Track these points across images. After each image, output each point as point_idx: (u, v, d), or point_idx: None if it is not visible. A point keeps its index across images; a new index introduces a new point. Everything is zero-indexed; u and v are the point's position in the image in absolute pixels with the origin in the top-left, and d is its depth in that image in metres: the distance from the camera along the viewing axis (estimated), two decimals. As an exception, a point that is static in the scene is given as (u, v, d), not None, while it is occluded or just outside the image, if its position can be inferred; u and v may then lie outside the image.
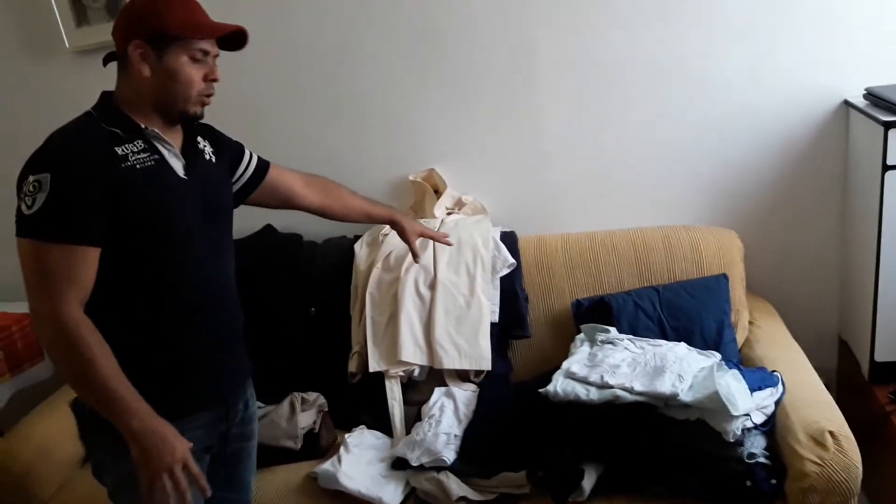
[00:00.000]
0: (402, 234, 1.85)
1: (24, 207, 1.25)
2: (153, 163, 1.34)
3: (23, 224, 1.26)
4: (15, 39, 2.44)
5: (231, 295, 1.52)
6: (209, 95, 1.40)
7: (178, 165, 1.39)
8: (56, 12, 2.36)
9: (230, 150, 1.59)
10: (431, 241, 2.21)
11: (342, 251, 2.35)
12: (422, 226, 1.94)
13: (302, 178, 1.72)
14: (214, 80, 1.40)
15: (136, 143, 1.33)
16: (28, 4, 2.39)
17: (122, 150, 1.31)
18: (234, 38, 1.42)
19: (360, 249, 2.31)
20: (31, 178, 1.26)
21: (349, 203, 1.78)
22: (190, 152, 1.43)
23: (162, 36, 1.33)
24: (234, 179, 1.59)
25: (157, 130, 1.37)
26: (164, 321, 1.39)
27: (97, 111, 1.37)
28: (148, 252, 1.34)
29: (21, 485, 1.93)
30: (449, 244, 1.98)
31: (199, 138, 1.49)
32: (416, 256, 1.90)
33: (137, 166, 1.32)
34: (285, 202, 1.71)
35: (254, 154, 1.64)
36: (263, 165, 1.65)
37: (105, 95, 1.40)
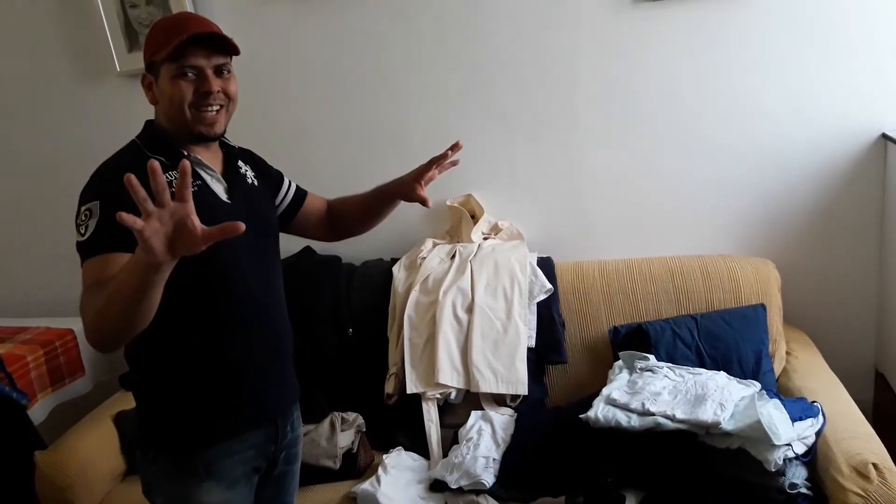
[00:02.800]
0: (404, 196, 1.62)
1: (78, 236, 1.29)
2: (196, 188, 1.35)
3: (80, 251, 1.29)
4: (68, 63, 2.53)
5: (280, 316, 1.52)
6: (206, 108, 1.36)
7: (219, 189, 1.42)
8: (108, 37, 2.44)
9: (271, 176, 1.62)
10: (469, 267, 2.26)
11: (380, 273, 2.39)
12: (415, 171, 1.62)
13: (328, 205, 1.72)
14: (207, 92, 1.35)
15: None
16: (81, 29, 2.47)
17: (167, 178, 1.31)
18: (223, 45, 1.37)
19: (399, 272, 2.35)
20: (82, 209, 1.30)
21: (356, 219, 1.71)
22: (231, 176, 1.46)
23: (150, 64, 1.37)
24: (274, 205, 1.62)
25: (198, 156, 1.40)
26: (214, 342, 1.40)
27: (141, 139, 1.41)
28: (195, 276, 1.33)
29: (65, 497, 1.97)
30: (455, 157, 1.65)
31: (241, 163, 1.52)
32: (423, 202, 1.60)
33: None
34: (320, 233, 1.73)
35: (292, 182, 1.67)
36: (301, 194, 1.68)
37: (148, 124, 1.44)
